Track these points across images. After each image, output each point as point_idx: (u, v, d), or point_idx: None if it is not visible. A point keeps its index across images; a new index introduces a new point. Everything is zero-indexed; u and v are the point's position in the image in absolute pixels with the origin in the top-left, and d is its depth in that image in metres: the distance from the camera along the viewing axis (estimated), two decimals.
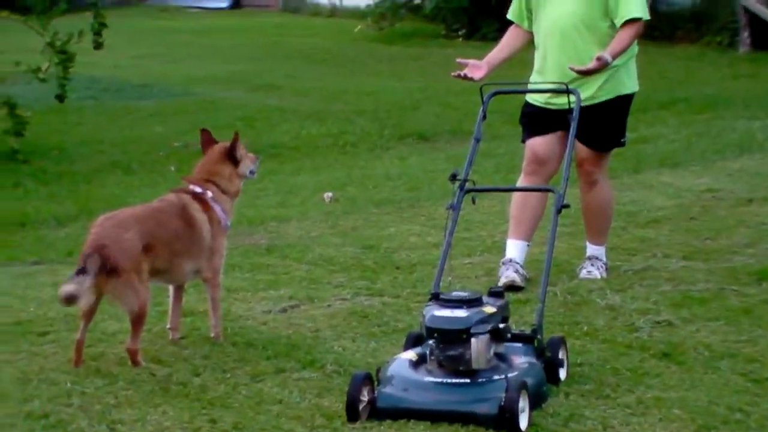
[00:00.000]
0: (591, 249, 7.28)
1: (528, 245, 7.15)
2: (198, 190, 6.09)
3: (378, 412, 5.02)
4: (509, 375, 5.01)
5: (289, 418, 5.06)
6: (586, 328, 6.27)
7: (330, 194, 10.53)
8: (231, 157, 6.19)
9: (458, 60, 6.82)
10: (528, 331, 5.56)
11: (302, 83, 20.60)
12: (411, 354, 5.35)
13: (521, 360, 5.25)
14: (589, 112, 6.52)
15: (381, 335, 6.30)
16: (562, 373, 5.47)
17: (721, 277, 7.21)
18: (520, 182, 7.19)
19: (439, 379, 5.08)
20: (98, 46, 14.05)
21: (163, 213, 6.00)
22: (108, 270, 5.60)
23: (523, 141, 7.19)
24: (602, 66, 6.55)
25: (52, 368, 5.79)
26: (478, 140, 6.22)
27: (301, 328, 6.41)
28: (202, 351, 6.01)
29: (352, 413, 4.97)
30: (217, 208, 6.07)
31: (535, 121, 7.04)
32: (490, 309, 5.20)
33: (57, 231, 9.53)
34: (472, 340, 5.02)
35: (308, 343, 6.08)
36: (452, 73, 6.81)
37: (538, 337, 5.48)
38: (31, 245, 8.92)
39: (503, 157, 12.36)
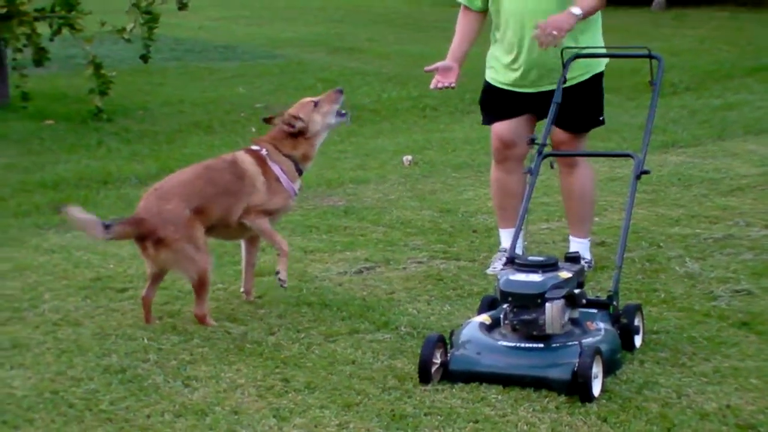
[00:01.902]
0: (574, 243, 6.81)
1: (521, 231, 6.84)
2: (254, 147, 6.12)
3: (450, 375, 5.01)
4: (583, 341, 4.97)
5: (361, 378, 5.07)
6: (663, 295, 6.19)
7: (409, 157, 10.52)
8: (290, 134, 6.12)
9: (426, 69, 6.50)
10: (604, 297, 5.50)
11: (383, 47, 20.59)
12: (485, 318, 5.33)
13: (596, 326, 5.20)
14: (565, 94, 6.17)
15: (456, 298, 6.29)
16: (638, 340, 5.41)
17: None
18: (493, 170, 6.87)
19: (513, 344, 5.05)
20: (182, 6, 14.14)
21: (213, 169, 6.04)
22: (155, 242, 5.67)
23: (485, 124, 6.89)
24: (571, 20, 6.06)
25: (129, 324, 5.87)
26: (558, 104, 6.13)
27: (376, 290, 6.42)
28: (277, 311, 6.05)
29: (425, 375, 4.97)
30: (274, 166, 6.05)
31: (500, 104, 6.69)
32: (565, 274, 5.16)
33: (138, 190, 9.62)
34: (547, 305, 4.99)
35: (383, 304, 6.08)
36: (431, 86, 6.56)
37: (614, 303, 5.42)
38: (113, 203, 9.03)
39: None
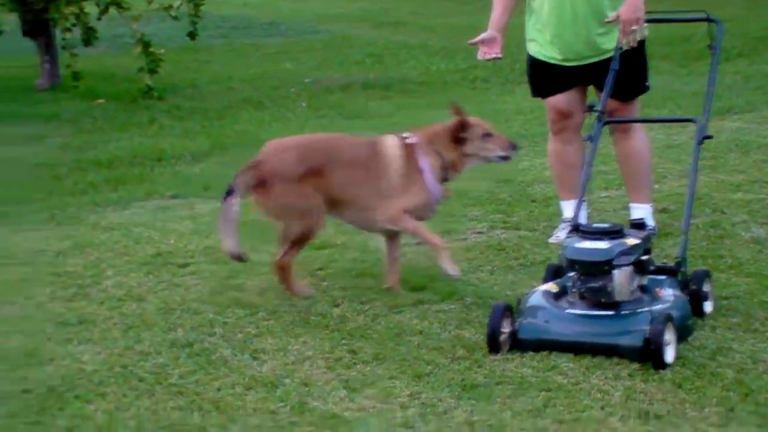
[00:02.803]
0: (635, 209, 6.70)
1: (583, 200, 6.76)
2: (406, 135, 5.89)
3: (519, 344, 4.97)
4: (654, 307, 4.91)
5: (429, 349, 5.04)
6: (730, 261, 6.11)
7: None
8: (453, 136, 5.83)
9: (470, 42, 6.45)
10: (670, 264, 5.43)
11: (427, 19, 20.51)
12: (551, 286, 5.28)
13: (666, 293, 5.13)
14: (609, 63, 6.11)
15: (518, 268, 6.25)
16: (708, 307, 5.34)
17: None
18: (551, 142, 6.83)
19: (581, 311, 5.00)
20: None
21: (346, 140, 5.99)
22: (265, 188, 5.67)
23: (535, 96, 6.84)
24: (639, 5, 6.04)
25: (193, 299, 5.87)
26: (616, 71, 6.06)
27: None
28: (341, 283, 6.03)
29: (494, 344, 4.93)
30: (421, 158, 5.79)
31: (549, 78, 6.62)
32: (632, 241, 5.09)
33: (192, 166, 9.66)
34: (615, 272, 4.92)
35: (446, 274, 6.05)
36: (478, 57, 6.50)
37: (682, 269, 5.35)
38: (168, 180, 9.06)
39: None
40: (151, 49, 13.43)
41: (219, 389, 4.67)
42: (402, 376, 4.74)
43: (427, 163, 5.80)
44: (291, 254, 5.77)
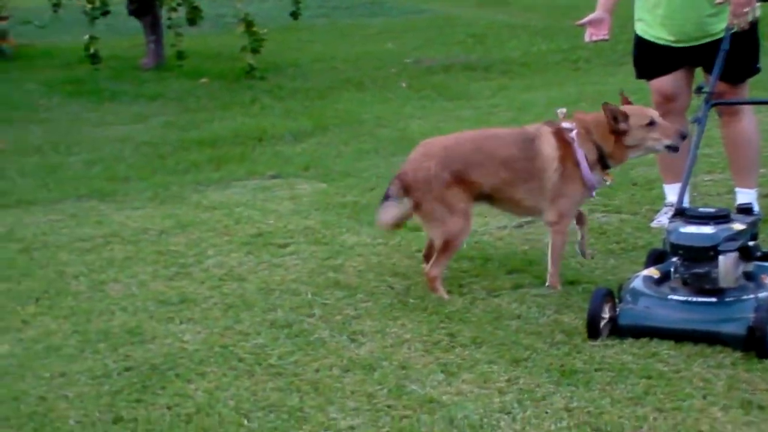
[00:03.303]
0: (741, 194, 6.56)
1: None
2: (565, 125, 5.68)
3: (619, 330, 4.90)
4: (759, 295, 4.81)
5: (528, 333, 5.00)
6: None
7: (563, 110, 10.32)
8: (611, 128, 5.57)
9: (577, 23, 6.30)
10: None
11: None
12: (653, 271, 5.20)
13: None
14: (718, 44, 5.97)
15: (620, 252, 6.17)
16: None
17: None
18: None
19: (684, 298, 4.91)
20: None
21: (495, 140, 5.74)
22: (412, 198, 5.59)
23: (640, 78, 6.70)
24: None
25: (293, 279, 5.90)
26: (726, 51, 5.93)
27: (538, 244, 6.33)
28: None
29: (593, 330, 4.87)
30: (578, 151, 5.58)
31: (659, 60, 6.49)
32: (738, 226, 4.99)
33: (293, 146, 9.71)
34: (720, 257, 4.83)
35: (545, 258, 5.97)
36: (585, 39, 6.37)
37: None
38: (269, 160, 9.12)
39: None
40: (254, 29, 13.54)
41: (317, 371, 4.69)
42: (500, 360, 4.71)
43: (583, 157, 5.59)
44: (437, 264, 5.62)
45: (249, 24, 13.47)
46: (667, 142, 5.60)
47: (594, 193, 5.77)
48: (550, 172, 5.59)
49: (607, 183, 5.77)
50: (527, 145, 5.63)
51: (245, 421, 4.22)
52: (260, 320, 5.30)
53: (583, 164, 5.58)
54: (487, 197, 5.71)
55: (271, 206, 7.47)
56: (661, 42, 6.46)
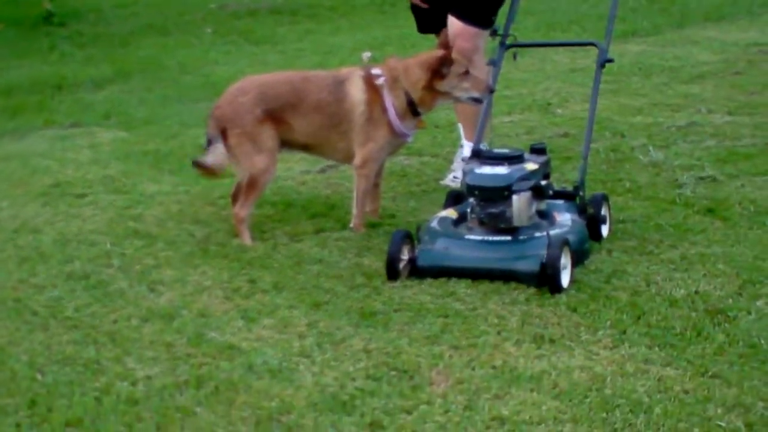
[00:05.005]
0: (464, 140, 6.52)
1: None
2: (375, 71, 5.63)
3: (418, 271, 4.97)
4: (551, 232, 4.93)
5: (329, 277, 5.02)
6: (628, 184, 6.17)
7: (368, 53, 10.40)
8: (434, 69, 5.52)
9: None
10: (570, 188, 5.46)
11: None
12: (451, 212, 5.28)
13: (563, 217, 5.16)
14: None
15: (420, 194, 6.24)
16: (605, 230, 5.39)
17: (767, 131, 7.05)
18: None
19: (480, 237, 5.01)
20: None
21: (309, 82, 5.67)
22: (223, 132, 5.52)
23: (425, 33, 6.59)
24: None
25: (91, 230, 5.78)
26: None
27: (340, 188, 6.35)
28: None
29: (392, 272, 4.93)
30: (386, 98, 5.57)
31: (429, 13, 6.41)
32: (531, 166, 5.10)
33: (94, 94, 9.49)
34: (514, 197, 4.93)
35: (347, 203, 6.00)
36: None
37: (581, 194, 5.38)
38: (68, 108, 8.89)
39: (544, 14, 12.13)
40: None
41: (115, 321, 4.61)
42: (300, 305, 4.72)
43: (391, 103, 5.58)
44: (245, 204, 5.57)
45: None
46: (475, 94, 5.60)
47: (410, 139, 5.77)
48: (356, 115, 5.58)
49: (421, 127, 5.78)
50: (337, 88, 5.61)
51: (39, 376, 4.11)
52: (56, 272, 5.18)
53: (391, 111, 5.58)
54: (302, 145, 5.69)
55: (69, 156, 7.29)
56: None
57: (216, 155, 5.53)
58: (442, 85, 5.55)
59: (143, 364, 4.19)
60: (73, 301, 4.82)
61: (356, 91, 5.58)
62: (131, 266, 5.23)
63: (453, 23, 6.18)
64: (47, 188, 6.54)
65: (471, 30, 6.19)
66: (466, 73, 5.58)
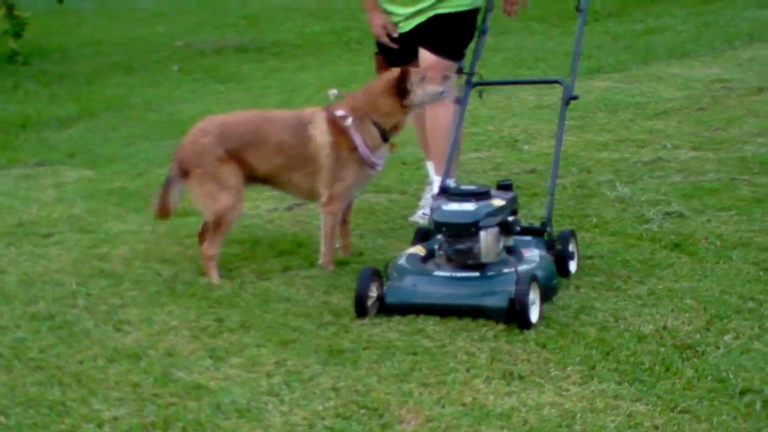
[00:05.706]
0: (433, 176, 6.48)
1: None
2: (339, 113, 5.61)
3: (387, 308, 4.95)
4: (519, 268, 4.93)
5: (296, 315, 4.99)
6: (595, 220, 6.18)
7: (335, 91, 10.38)
8: (399, 88, 5.55)
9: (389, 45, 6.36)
10: (538, 224, 5.47)
11: None
12: (420, 249, 5.28)
13: (531, 253, 5.16)
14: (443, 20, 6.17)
15: (388, 231, 6.23)
16: (573, 266, 5.39)
17: (732, 167, 7.10)
18: None
19: (448, 274, 5.00)
20: None
21: (271, 123, 5.64)
22: (182, 172, 5.52)
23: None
24: None
25: (56, 270, 5.73)
26: (484, 32, 6.06)
27: (308, 226, 6.34)
28: None
29: (361, 309, 4.90)
30: (355, 137, 5.54)
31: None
32: (498, 202, 5.11)
33: (59, 132, 9.44)
34: (481, 233, 4.93)
35: (315, 240, 5.98)
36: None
37: (548, 230, 5.39)
38: (32, 147, 8.84)
39: (510, 51, 12.19)
40: (15, 12, 13.09)
41: (81, 362, 4.56)
42: (268, 343, 4.68)
43: (361, 141, 5.56)
44: (212, 242, 5.54)
45: (10, 7, 13.01)
46: (440, 89, 5.62)
47: (380, 168, 5.73)
48: (321, 158, 5.56)
49: (392, 151, 5.79)
50: (300, 131, 5.58)
51: (2, 419, 4.05)
52: (20, 313, 5.12)
53: (362, 148, 5.56)
54: (264, 180, 5.67)
55: (34, 195, 7.24)
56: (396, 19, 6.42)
57: (173, 194, 5.56)
58: (411, 100, 5.57)
59: (109, 405, 4.14)
60: (37, 342, 4.76)
61: (321, 135, 5.56)
62: (97, 306, 5.19)
63: (425, 57, 6.20)
64: (11, 228, 6.48)
65: (444, 62, 6.19)
66: (423, 78, 5.61)
